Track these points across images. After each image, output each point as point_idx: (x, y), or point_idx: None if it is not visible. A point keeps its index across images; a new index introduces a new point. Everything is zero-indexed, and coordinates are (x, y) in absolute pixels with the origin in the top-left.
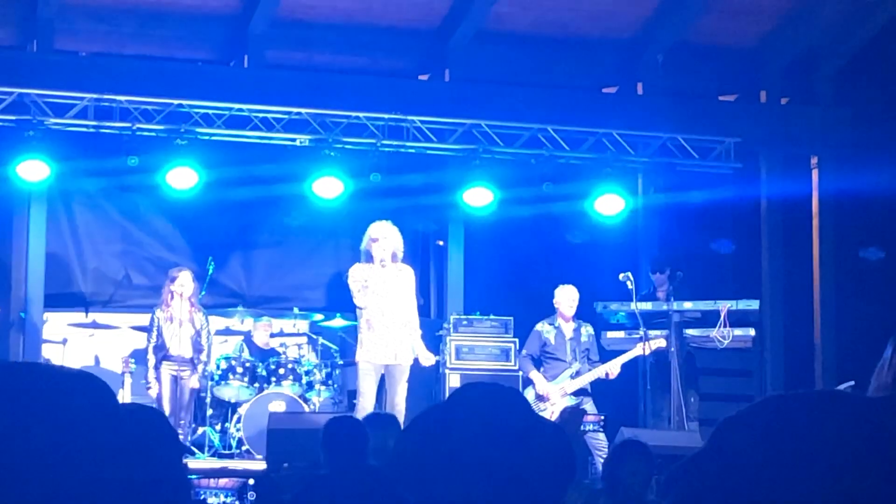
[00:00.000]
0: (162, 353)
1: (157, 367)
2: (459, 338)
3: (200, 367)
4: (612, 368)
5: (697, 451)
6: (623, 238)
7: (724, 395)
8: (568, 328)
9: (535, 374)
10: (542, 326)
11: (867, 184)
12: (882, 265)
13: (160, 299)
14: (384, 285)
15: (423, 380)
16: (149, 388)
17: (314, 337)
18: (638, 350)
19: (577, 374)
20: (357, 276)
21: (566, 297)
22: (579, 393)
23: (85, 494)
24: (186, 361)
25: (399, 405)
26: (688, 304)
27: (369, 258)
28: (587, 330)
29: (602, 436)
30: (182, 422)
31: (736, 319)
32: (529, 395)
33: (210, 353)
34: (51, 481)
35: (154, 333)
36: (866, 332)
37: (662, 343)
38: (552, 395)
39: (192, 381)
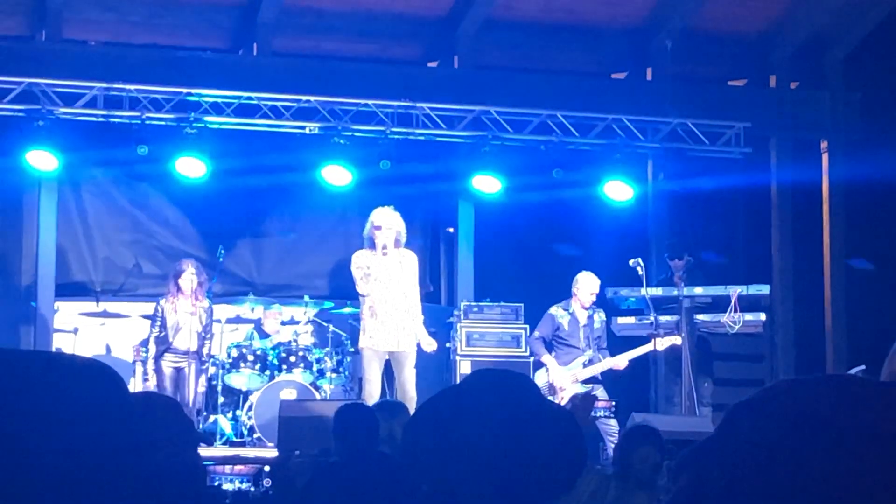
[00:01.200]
0: (165, 345)
1: (157, 359)
2: (470, 325)
3: (208, 366)
4: (620, 363)
5: (709, 436)
6: (633, 224)
7: (736, 381)
8: (582, 315)
9: (547, 358)
10: (557, 311)
11: (877, 168)
12: (893, 250)
13: (166, 290)
14: (387, 272)
15: (434, 367)
16: (146, 381)
17: (324, 325)
18: (649, 347)
19: (590, 361)
20: (360, 262)
21: (588, 286)
22: (590, 381)
23: (97, 483)
24: (191, 354)
25: (409, 392)
26: (698, 290)
27: (372, 245)
28: (600, 316)
29: (613, 421)
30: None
31: (746, 304)
32: (541, 379)
33: (211, 347)
34: (62, 470)
35: (158, 324)
36: (876, 316)
37: (677, 340)
38: (564, 381)
39: (201, 383)
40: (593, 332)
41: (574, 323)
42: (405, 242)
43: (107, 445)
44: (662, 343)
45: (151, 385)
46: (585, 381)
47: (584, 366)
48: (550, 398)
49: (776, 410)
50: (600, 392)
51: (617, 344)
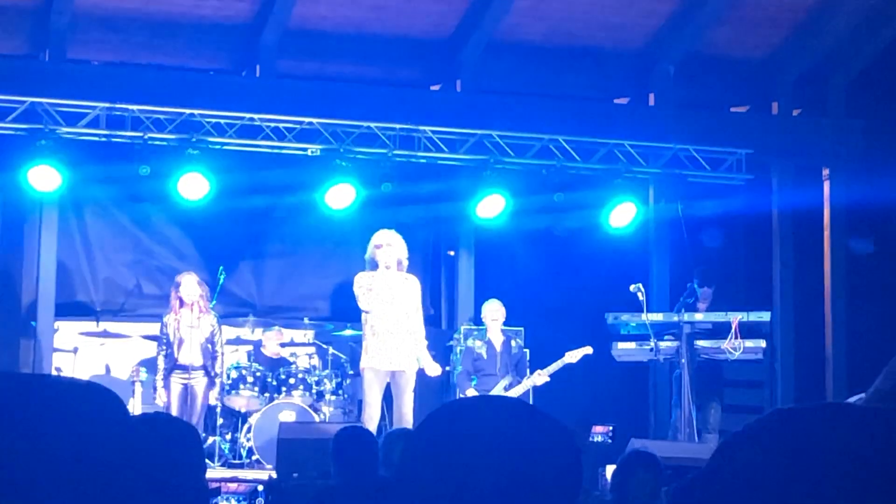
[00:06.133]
0: (171, 361)
1: (165, 377)
2: None
3: (218, 382)
4: (539, 379)
5: (704, 467)
6: (634, 249)
7: (737, 407)
8: (497, 341)
9: (470, 391)
10: (473, 342)
11: (878, 195)
12: (894, 277)
13: (168, 307)
14: (389, 291)
15: (435, 390)
16: (155, 398)
17: (324, 347)
18: (564, 360)
19: (509, 386)
20: (362, 282)
21: (489, 312)
22: None
23: None
24: (197, 369)
25: (407, 415)
26: (699, 316)
27: (374, 266)
28: (517, 342)
29: None
30: None
31: (747, 331)
32: None
33: (223, 362)
34: (62, 495)
35: (164, 341)
36: (877, 342)
37: (588, 351)
38: None
39: (211, 397)
40: (511, 359)
41: (491, 350)
42: (407, 267)
43: (105, 469)
44: (575, 355)
45: (160, 402)
46: None
47: (505, 389)
48: None
49: (771, 440)
50: None
51: (616, 369)
